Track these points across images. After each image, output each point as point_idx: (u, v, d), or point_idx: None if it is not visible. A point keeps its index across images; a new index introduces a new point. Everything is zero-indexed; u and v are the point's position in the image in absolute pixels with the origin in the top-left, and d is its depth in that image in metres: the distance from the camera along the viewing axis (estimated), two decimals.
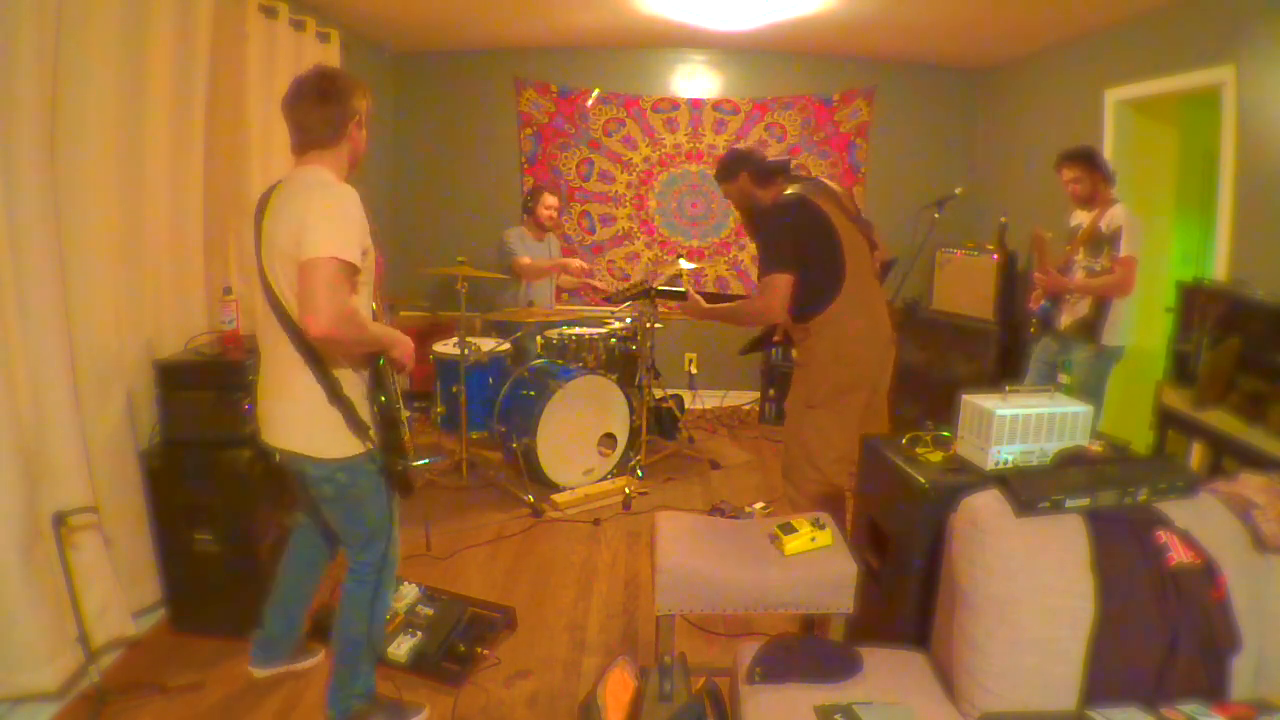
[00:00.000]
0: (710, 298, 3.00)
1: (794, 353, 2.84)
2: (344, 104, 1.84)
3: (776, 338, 3.03)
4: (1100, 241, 3.35)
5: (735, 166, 2.76)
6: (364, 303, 1.89)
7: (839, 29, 4.43)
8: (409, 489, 2.02)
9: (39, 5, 2.00)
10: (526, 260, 4.30)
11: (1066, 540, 1.55)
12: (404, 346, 1.97)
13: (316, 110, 1.82)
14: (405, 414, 2.02)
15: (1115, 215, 3.31)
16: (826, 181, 2.77)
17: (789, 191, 2.64)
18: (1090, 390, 3.34)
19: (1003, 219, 4.48)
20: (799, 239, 2.54)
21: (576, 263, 4.66)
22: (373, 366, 1.91)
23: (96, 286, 2.31)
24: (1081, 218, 3.49)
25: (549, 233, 4.56)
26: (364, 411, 1.88)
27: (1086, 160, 3.38)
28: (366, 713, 2.11)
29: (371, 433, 1.89)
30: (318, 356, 1.82)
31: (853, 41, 4.77)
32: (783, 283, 2.51)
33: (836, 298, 2.56)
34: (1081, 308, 3.43)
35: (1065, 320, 3.49)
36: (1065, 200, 3.55)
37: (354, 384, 1.87)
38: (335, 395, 1.83)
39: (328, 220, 1.72)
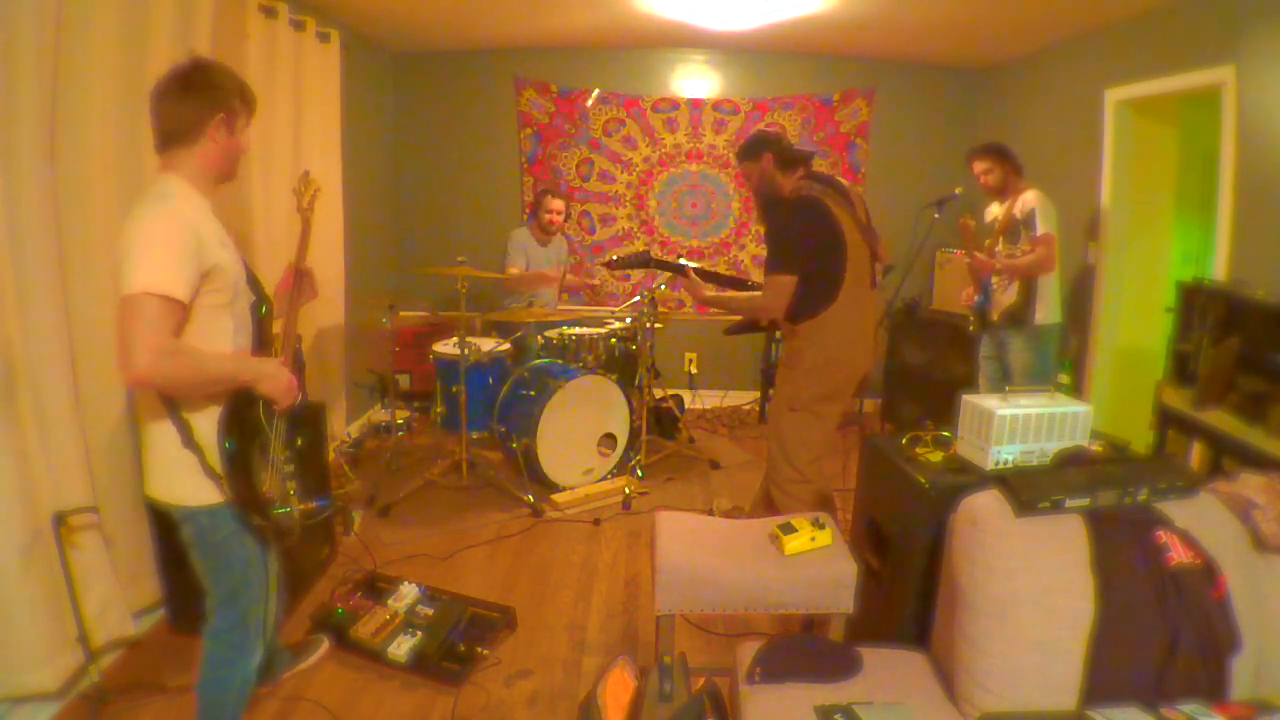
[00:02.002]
0: (706, 275, 3.02)
1: (781, 351, 2.88)
2: (209, 98, 1.65)
3: (764, 323, 3.08)
4: (1016, 228, 3.51)
5: (760, 147, 2.75)
6: (219, 330, 1.68)
7: (839, 29, 4.43)
8: (275, 540, 1.90)
9: (39, 5, 2.00)
10: (515, 271, 4.35)
11: (1066, 540, 1.55)
12: (270, 381, 1.74)
13: (174, 102, 1.64)
14: (283, 456, 1.84)
15: (1027, 200, 3.48)
16: (844, 183, 2.77)
17: (807, 192, 2.63)
18: (1035, 373, 3.52)
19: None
20: (808, 242, 2.57)
21: (553, 275, 4.61)
22: (229, 406, 1.69)
23: (96, 286, 2.31)
24: (997, 211, 3.65)
25: (555, 234, 4.56)
26: (214, 459, 1.68)
27: (996, 153, 3.57)
28: None
29: (224, 483, 1.69)
30: (169, 399, 1.64)
31: (853, 41, 4.77)
32: (787, 284, 2.55)
33: (832, 304, 2.59)
34: (1008, 297, 3.57)
35: (995, 315, 3.63)
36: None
37: (206, 428, 1.68)
38: (187, 441, 1.66)
39: (144, 247, 1.51)
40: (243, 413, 1.73)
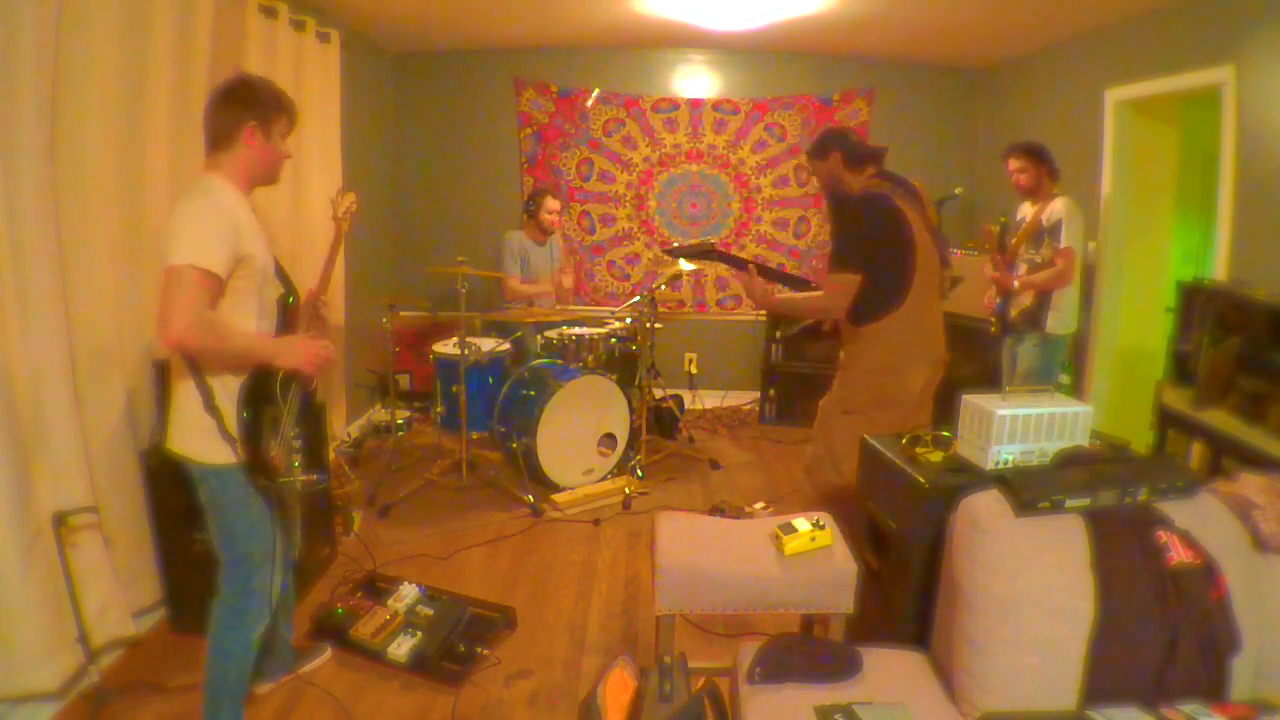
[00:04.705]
0: (766, 273, 2.79)
1: (840, 353, 2.72)
2: (245, 108, 1.84)
3: (826, 327, 2.93)
4: (1040, 234, 3.52)
5: (829, 145, 2.63)
6: (244, 312, 1.84)
7: (839, 29, 4.43)
8: (280, 505, 2.03)
9: (39, 5, 2.00)
10: (515, 281, 4.38)
11: (1066, 540, 1.55)
12: (291, 356, 1.90)
13: (217, 110, 1.85)
14: (292, 431, 1.99)
15: (1055, 209, 3.47)
16: (915, 185, 2.62)
17: (876, 189, 2.51)
18: (1039, 377, 3.55)
19: (1003, 219, 4.49)
20: (876, 239, 2.46)
21: (567, 280, 4.64)
22: (250, 379, 1.87)
23: (96, 286, 2.31)
24: (1027, 210, 3.66)
25: (551, 235, 4.57)
26: (232, 424, 1.85)
27: (1034, 153, 3.54)
28: None
29: (239, 447, 1.86)
30: (196, 366, 1.81)
31: (853, 41, 4.77)
32: (850, 283, 2.43)
33: (898, 308, 2.47)
34: (1025, 299, 3.62)
35: (1013, 313, 3.67)
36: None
37: (228, 395, 1.85)
38: (209, 405, 1.83)
39: (189, 228, 1.70)
40: (261, 387, 1.90)
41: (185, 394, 1.85)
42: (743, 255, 5.06)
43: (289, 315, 2.01)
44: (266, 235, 1.92)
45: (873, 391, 2.52)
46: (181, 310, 1.65)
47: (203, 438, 1.85)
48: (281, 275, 2.00)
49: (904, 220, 2.45)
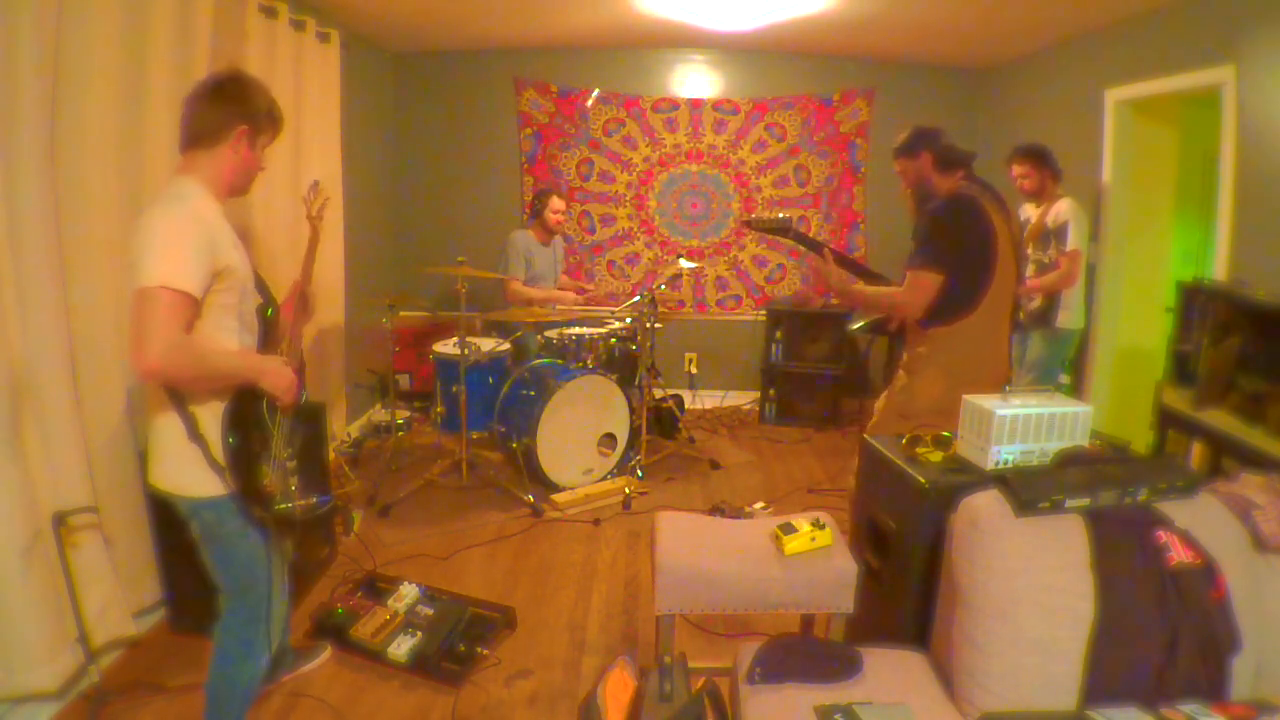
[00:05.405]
0: (841, 261, 2.69)
1: (904, 354, 2.65)
2: (236, 107, 1.72)
3: (893, 326, 2.83)
4: (1047, 235, 3.60)
5: (919, 144, 2.57)
6: (225, 327, 1.73)
7: (839, 29, 4.43)
8: (277, 533, 1.93)
9: (39, 5, 2.00)
10: (518, 283, 4.35)
11: (1066, 540, 1.55)
12: (273, 377, 1.77)
13: (205, 106, 1.71)
14: (285, 453, 1.88)
15: (1061, 210, 3.54)
16: (1002, 195, 2.55)
17: (965, 191, 2.45)
18: (1045, 366, 3.68)
19: None
20: (961, 240, 2.39)
21: (570, 296, 4.65)
22: (234, 401, 1.74)
23: (96, 286, 2.31)
24: (1030, 212, 3.73)
25: (558, 234, 4.58)
26: (219, 452, 1.71)
27: (1038, 157, 3.61)
28: None
29: (228, 476, 1.72)
30: (176, 392, 1.69)
31: (853, 41, 4.77)
32: (932, 281, 2.37)
33: (970, 314, 2.41)
34: (1034, 300, 3.71)
35: (1022, 314, 3.72)
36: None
37: (211, 422, 1.72)
38: (193, 433, 1.69)
39: (161, 244, 1.55)
40: (246, 408, 1.77)
41: (165, 424, 1.71)
42: (741, 255, 5.05)
43: (268, 327, 1.92)
44: (244, 244, 1.82)
45: (933, 400, 2.46)
46: (154, 337, 1.51)
47: (188, 470, 1.71)
48: (260, 285, 1.90)
49: (991, 226, 2.40)
